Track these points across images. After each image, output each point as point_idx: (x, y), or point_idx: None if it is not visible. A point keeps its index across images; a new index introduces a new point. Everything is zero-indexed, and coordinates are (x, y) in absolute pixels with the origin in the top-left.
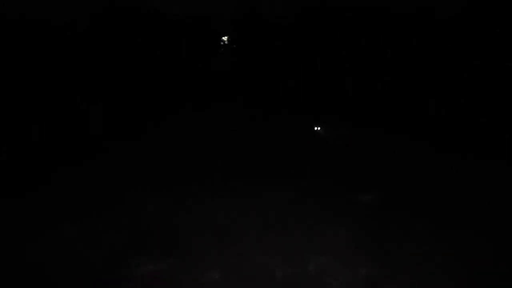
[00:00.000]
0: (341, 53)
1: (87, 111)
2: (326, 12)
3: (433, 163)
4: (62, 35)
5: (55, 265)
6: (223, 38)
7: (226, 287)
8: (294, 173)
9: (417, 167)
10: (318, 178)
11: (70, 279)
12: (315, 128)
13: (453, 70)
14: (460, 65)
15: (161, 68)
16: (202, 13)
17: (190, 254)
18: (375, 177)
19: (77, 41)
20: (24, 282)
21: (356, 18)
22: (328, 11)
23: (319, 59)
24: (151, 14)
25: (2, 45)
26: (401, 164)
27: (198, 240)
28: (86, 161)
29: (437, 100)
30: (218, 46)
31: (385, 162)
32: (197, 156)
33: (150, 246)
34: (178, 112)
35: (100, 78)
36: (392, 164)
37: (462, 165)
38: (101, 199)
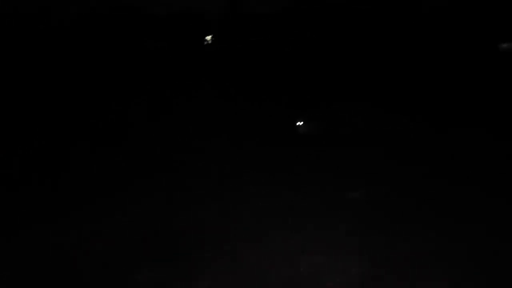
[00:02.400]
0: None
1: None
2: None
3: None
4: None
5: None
6: (207, 38)
7: None
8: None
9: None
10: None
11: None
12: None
13: (452, 69)
14: (459, 63)
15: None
16: (182, 9)
17: (184, 261)
18: (373, 167)
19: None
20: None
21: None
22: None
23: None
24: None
25: None
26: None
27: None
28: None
29: (437, 99)
30: (202, 46)
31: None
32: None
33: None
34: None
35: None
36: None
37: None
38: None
